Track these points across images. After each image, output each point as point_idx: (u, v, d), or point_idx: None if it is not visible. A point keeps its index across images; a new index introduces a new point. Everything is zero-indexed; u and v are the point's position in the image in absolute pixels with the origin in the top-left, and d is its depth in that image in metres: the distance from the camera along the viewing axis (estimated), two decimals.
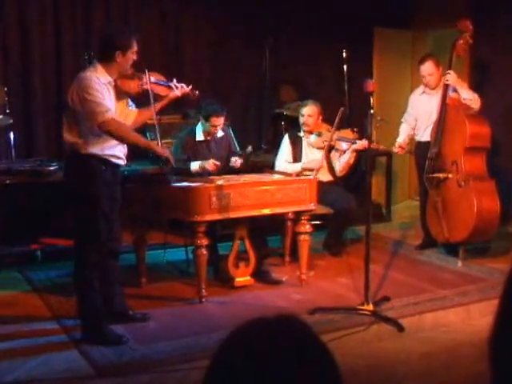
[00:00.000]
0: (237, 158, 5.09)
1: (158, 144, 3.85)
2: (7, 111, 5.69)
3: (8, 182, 5.26)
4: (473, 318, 4.07)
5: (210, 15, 6.95)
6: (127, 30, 4.00)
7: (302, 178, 4.94)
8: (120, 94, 3.78)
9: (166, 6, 6.73)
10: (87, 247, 3.69)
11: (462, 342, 3.69)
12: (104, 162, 3.68)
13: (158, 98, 3.96)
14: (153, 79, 3.90)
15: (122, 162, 3.83)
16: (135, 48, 3.68)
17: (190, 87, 4.06)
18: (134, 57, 3.70)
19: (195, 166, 4.92)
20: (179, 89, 3.99)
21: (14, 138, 5.78)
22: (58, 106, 6.27)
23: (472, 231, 5.09)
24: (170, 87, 3.98)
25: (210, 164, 4.87)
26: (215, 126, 4.93)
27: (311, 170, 5.34)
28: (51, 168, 5.41)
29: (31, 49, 6.13)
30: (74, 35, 6.31)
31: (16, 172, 5.33)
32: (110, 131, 3.57)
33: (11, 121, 5.62)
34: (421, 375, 3.39)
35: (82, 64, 5.74)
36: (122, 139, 3.69)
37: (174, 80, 4.05)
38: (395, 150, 5.69)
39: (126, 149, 3.83)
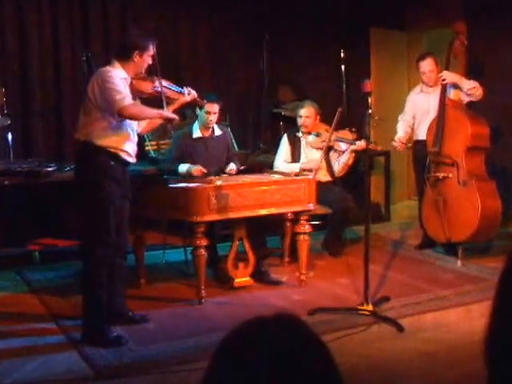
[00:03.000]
0: (233, 165, 5.10)
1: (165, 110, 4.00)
2: (5, 112, 5.68)
3: (6, 182, 5.24)
4: (473, 318, 4.06)
5: (208, 15, 6.95)
6: (147, 33, 4.15)
7: (301, 178, 4.92)
8: (134, 93, 3.89)
9: (164, 7, 6.72)
10: (96, 243, 3.70)
11: (462, 341, 3.68)
12: (114, 157, 3.74)
13: (168, 101, 4.09)
14: (164, 83, 4.04)
15: (132, 160, 3.89)
16: (151, 52, 3.83)
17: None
18: (150, 60, 3.84)
19: (183, 168, 4.90)
20: (191, 95, 4.14)
21: (12, 138, 5.76)
22: (56, 106, 6.27)
23: (476, 230, 5.09)
24: (180, 92, 4.12)
25: (197, 170, 4.85)
26: (209, 113, 4.93)
27: (310, 170, 5.32)
28: (49, 169, 5.39)
29: (29, 50, 6.12)
30: (72, 36, 6.30)
31: (14, 173, 5.31)
32: (130, 114, 3.71)
33: (9, 121, 5.60)
34: (421, 375, 3.38)
35: (81, 65, 5.76)
36: (141, 118, 3.89)
37: (189, 88, 4.18)
38: (395, 144, 5.60)
39: (136, 147, 3.91)
